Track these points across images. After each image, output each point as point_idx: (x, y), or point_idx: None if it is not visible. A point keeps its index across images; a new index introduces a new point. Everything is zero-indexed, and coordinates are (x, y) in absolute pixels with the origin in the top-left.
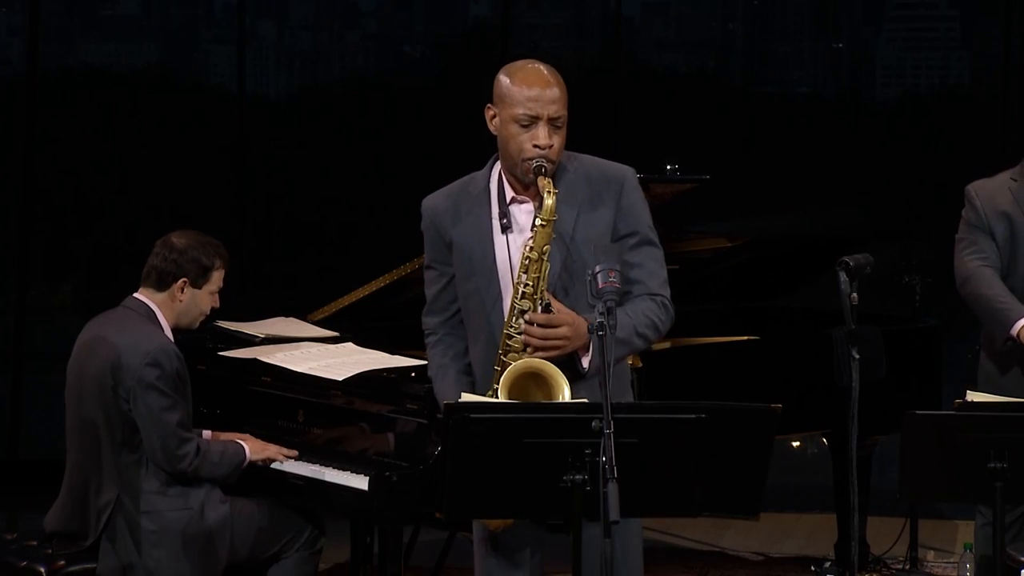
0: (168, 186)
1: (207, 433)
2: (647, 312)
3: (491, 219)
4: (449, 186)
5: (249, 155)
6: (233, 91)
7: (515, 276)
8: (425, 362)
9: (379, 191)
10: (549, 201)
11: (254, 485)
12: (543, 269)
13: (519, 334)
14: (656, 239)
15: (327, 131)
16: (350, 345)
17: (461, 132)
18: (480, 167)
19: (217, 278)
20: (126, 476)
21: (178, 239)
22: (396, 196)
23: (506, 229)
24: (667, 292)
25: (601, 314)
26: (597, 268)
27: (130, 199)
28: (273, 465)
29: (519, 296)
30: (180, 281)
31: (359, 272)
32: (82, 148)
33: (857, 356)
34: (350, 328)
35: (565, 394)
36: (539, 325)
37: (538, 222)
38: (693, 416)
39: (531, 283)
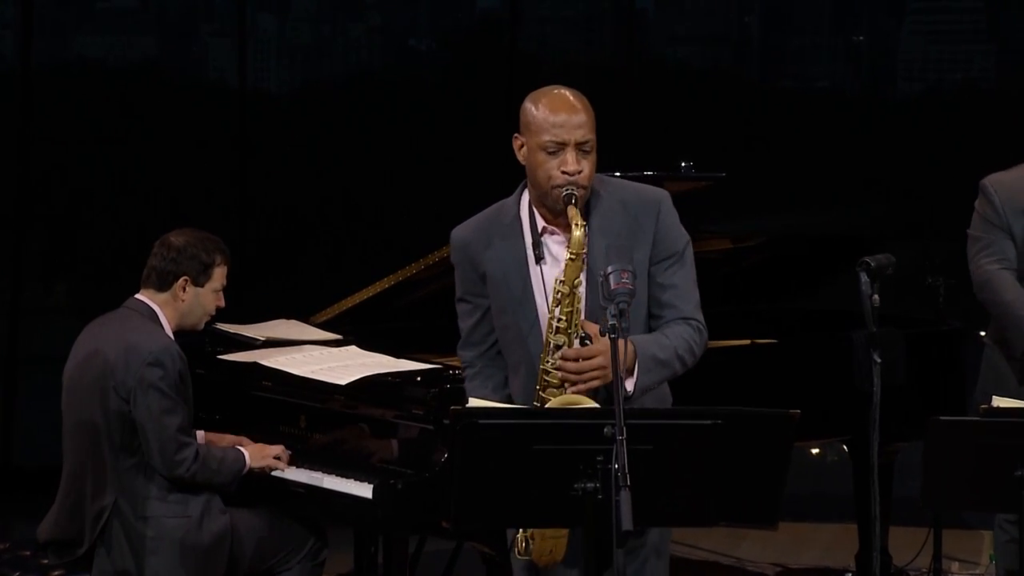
0: (166, 184)
1: (200, 434)
2: (684, 336)
3: (525, 249)
4: (477, 216)
5: (250, 152)
6: (233, 86)
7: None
8: (431, 365)
9: (384, 189)
10: (577, 233)
11: (254, 493)
12: (575, 302)
13: (556, 369)
14: (690, 251)
15: (330, 127)
16: (354, 348)
17: (469, 128)
18: (487, 164)
19: (219, 275)
20: (124, 480)
21: (176, 238)
22: (402, 195)
23: (540, 260)
24: (700, 316)
25: (613, 316)
26: (609, 269)
27: (127, 198)
28: (274, 472)
29: (553, 332)
30: (181, 280)
31: (363, 272)
32: (77, 145)
33: (878, 360)
34: (354, 331)
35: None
36: (573, 360)
37: (567, 256)
38: (709, 422)
39: (564, 317)
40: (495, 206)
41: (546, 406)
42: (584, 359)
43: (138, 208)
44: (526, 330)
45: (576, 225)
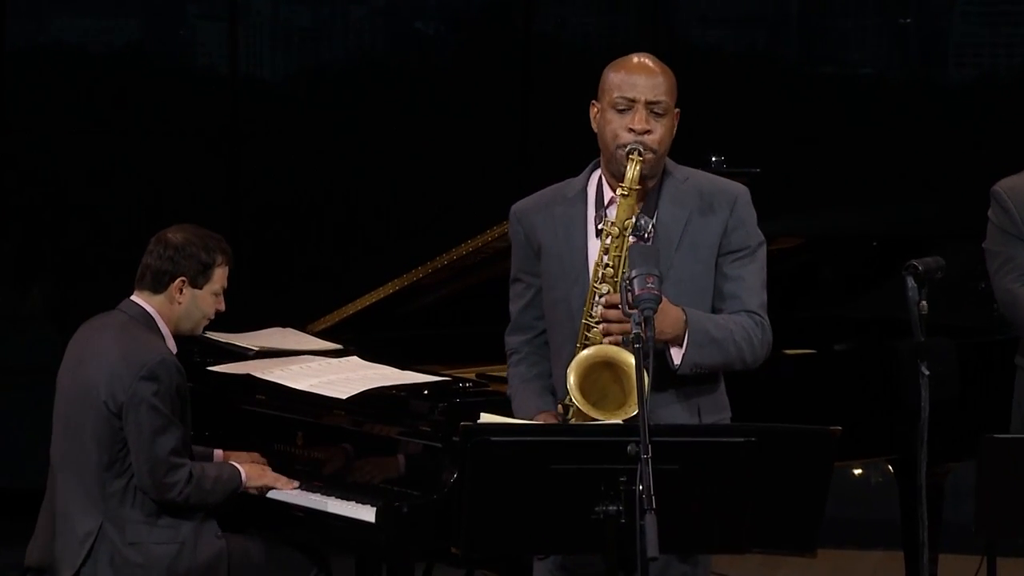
0: (151, 179)
1: (219, 453)
2: (744, 324)
3: (586, 222)
4: (542, 191)
5: (242, 144)
6: (224, 73)
7: None
8: (440, 378)
9: (389, 186)
10: (632, 171)
11: (248, 517)
12: (624, 247)
13: (597, 324)
14: (763, 252)
15: (329, 117)
16: (355, 359)
17: (481, 118)
18: (502, 157)
19: (220, 276)
20: (111, 502)
21: (174, 234)
22: (408, 191)
23: (600, 232)
24: (766, 316)
25: (638, 324)
26: (633, 273)
27: (109, 194)
28: (270, 494)
29: (598, 279)
30: (178, 281)
31: (366, 276)
32: (55, 137)
33: (927, 372)
34: (355, 340)
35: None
36: (616, 307)
37: (619, 192)
38: (742, 440)
39: (611, 263)
40: (563, 182)
41: (576, 357)
42: (630, 306)
43: (120, 205)
44: (576, 306)
45: (632, 161)
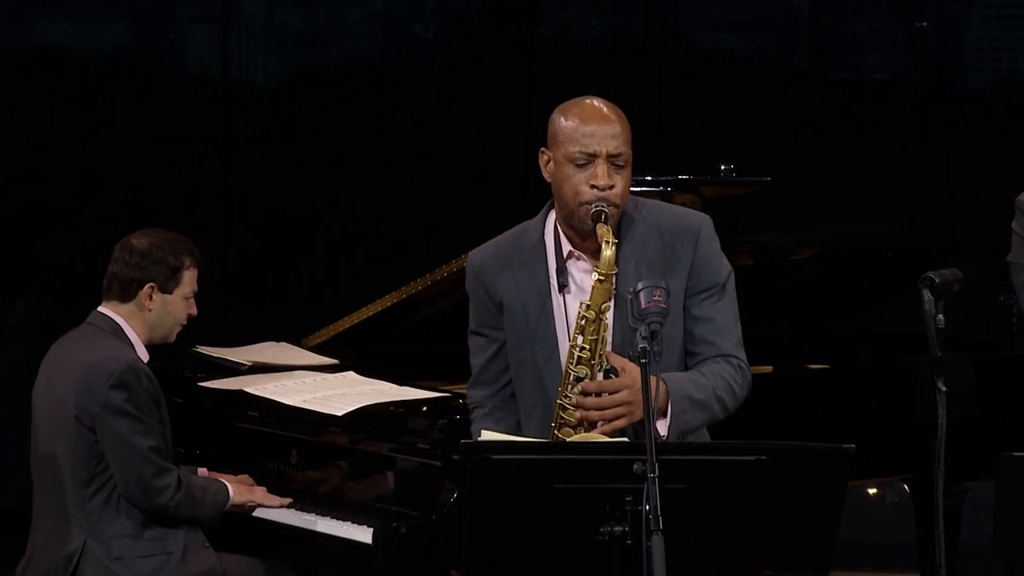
0: (140, 188)
1: (202, 471)
2: (723, 375)
3: (547, 276)
4: (497, 239)
5: (234, 152)
6: (215, 78)
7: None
8: (439, 394)
9: (386, 194)
10: (607, 253)
11: (240, 537)
12: (601, 330)
13: (573, 406)
14: (732, 283)
15: (324, 124)
16: (351, 375)
17: (482, 125)
18: (502, 166)
19: (189, 279)
20: (93, 519)
21: (139, 240)
22: (406, 200)
23: (563, 289)
24: (742, 354)
25: (644, 338)
26: (640, 286)
27: (96, 203)
28: (261, 513)
29: (574, 362)
30: (147, 287)
31: (362, 289)
32: (40, 144)
33: (943, 388)
34: (352, 355)
35: None
36: (594, 394)
37: (595, 277)
38: (752, 458)
39: (587, 346)
40: (516, 229)
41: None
42: (608, 393)
43: (108, 215)
44: (543, 367)
45: (606, 243)
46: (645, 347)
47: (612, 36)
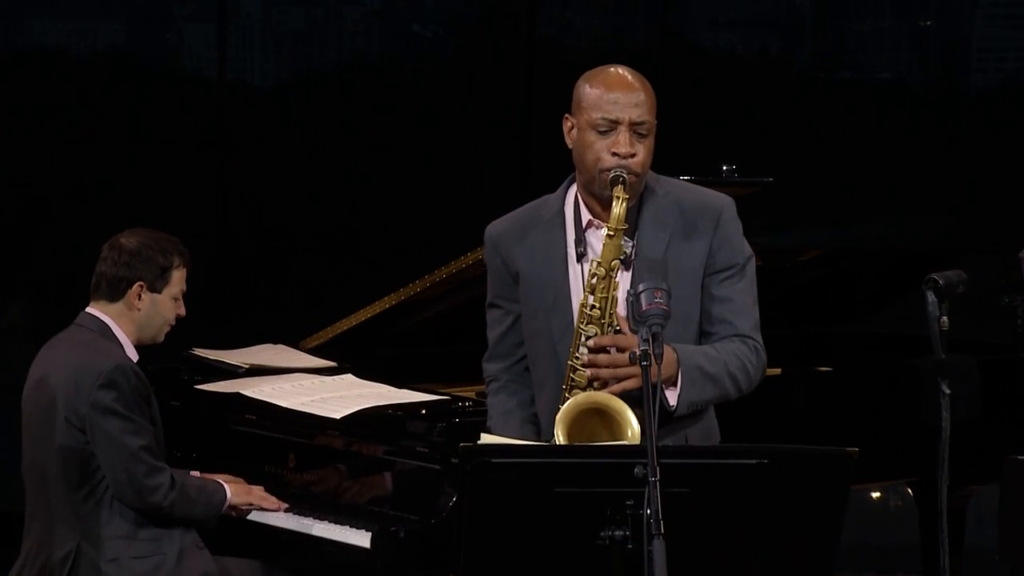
0: (135, 189)
1: (195, 474)
2: (736, 353)
3: (565, 247)
4: (517, 210)
5: (231, 152)
6: (212, 77)
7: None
8: (438, 397)
9: (385, 195)
10: (618, 209)
11: (236, 542)
12: (611, 289)
13: (584, 366)
14: (752, 267)
15: (322, 124)
16: (350, 377)
17: (482, 125)
18: (503, 166)
19: (178, 278)
20: (86, 521)
21: (127, 239)
22: (405, 201)
23: (581, 257)
24: (759, 336)
25: (645, 340)
26: (641, 287)
27: (91, 205)
28: (257, 516)
29: (584, 321)
30: (136, 286)
31: (361, 290)
32: (34, 144)
33: (948, 391)
34: (350, 357)
35: (634, 430)
36: (604, 350)
37: (605, 232)
38: (754, 462)
39: (598, 304)
40: (538, 200)
41: (564, 406)
42: (619, 349)
43: (103, 216)
44: (558, 336)
45: (618, 199)
46: (646, 350)
47: (612, 36)
